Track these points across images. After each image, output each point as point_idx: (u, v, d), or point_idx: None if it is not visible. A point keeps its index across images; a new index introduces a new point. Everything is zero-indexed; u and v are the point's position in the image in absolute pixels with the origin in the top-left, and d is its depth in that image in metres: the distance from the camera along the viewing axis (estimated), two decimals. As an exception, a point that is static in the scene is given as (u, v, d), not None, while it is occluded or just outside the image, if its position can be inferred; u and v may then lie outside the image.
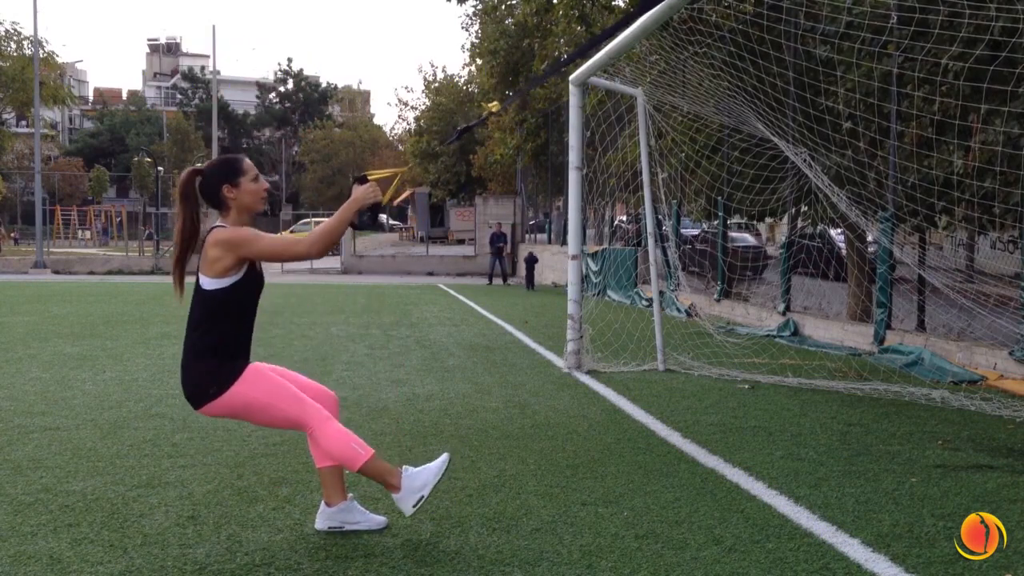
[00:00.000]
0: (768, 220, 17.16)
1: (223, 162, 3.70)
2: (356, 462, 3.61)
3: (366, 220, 3.77)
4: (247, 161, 3.73)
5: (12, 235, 44.87)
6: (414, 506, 3.71)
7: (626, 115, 10.65)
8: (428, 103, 44.79)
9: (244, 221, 3.65)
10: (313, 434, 3.63)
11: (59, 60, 41.06)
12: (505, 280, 25.22)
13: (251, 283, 3.65)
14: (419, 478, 3.73)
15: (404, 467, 3.77)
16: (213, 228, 3.60)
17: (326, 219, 3.71)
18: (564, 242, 18.36)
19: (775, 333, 11.44)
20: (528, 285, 22.49)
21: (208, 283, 3.57)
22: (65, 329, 11.62)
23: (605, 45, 7.84)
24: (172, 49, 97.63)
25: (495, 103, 4.38)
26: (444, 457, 3.85)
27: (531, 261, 22.92)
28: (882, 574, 3.39)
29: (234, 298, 3.60)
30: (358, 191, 3.68)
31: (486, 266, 27.17)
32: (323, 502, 3.83)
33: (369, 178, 3.79)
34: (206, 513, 4.03)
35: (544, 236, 28.70)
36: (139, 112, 77.13)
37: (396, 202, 57.71)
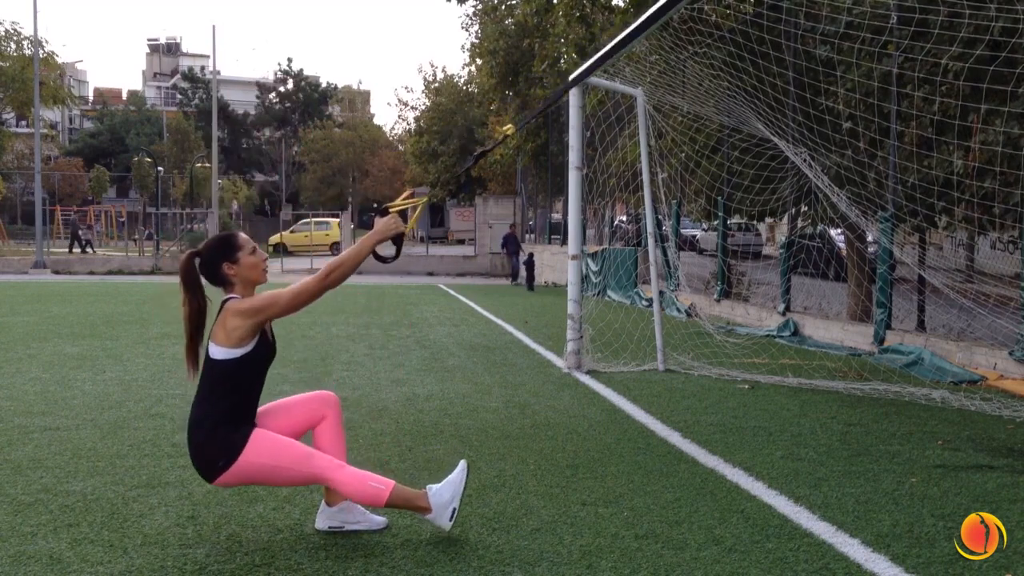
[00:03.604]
0: (768, 220, 17.16)
1: (219, 241, 3.73)
2: (380, 499, 3.61)
3: (392, 254, 3.77)
4: (242, 236, 3.76)
5: None
6: (450, 519, 3.70)
7: (626, 115, 10.64)
8: (428, 103, 44.78)
9: (250, 292, 3.69)
10: (331, 485, 3.64)
11: (59, 60, 40.96)
12: (515, 279, 25.39)
13: (262, 352, 3.67)
14: (446, 493, 3.71)
15: (428, 487, 3.75)
16: (228, 299, 3.63)
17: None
18: (563, 242, 18.38)
19: (775, 333, 11.43)
20: (528, 286, 22.48)
21: (219, 352, 3.58)
22: (65, 329, 11.62)
23: (612, 54, 7.86)
24: (172, 49, 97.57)
25: (510, 126, 4.39)
26: (462, 465, 3.83)
27: (530, 264, 22.93)
28: (882, 574, 3.39)
29: (245, 368, 3.61)
30: (379, 223, 3.70)
31: (487, 266, 27.26)
32: (323, 501, 3.83)
33: (390, 210, 3.78)
34: (206, 513, 4.03)
35: (546, 236, 28.73)
36: (139, 112, 77.05)
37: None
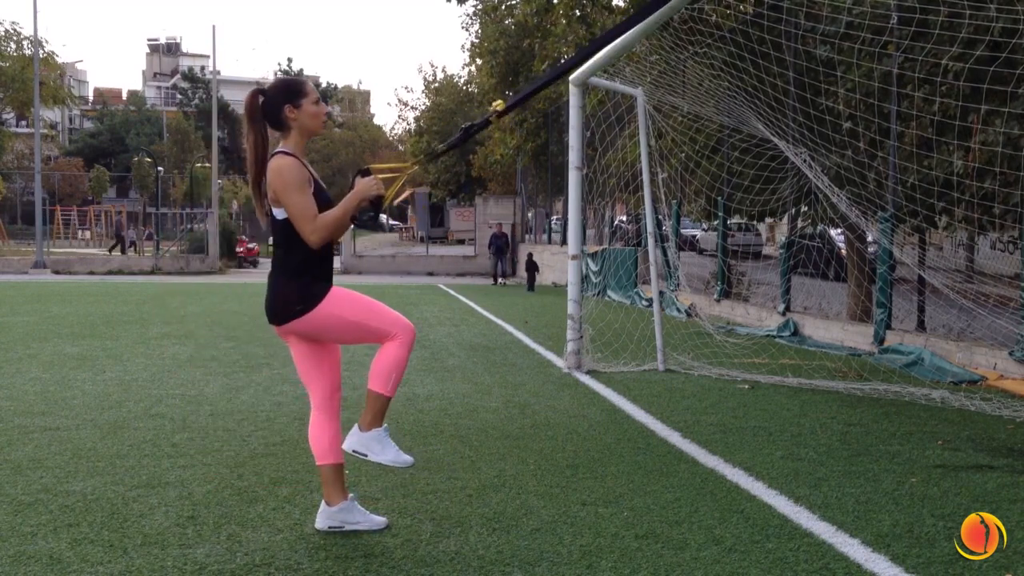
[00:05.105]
0: (768, 220, 17.15)
1: (286, 83, 3.75)
2: (381, 388, 3.69)
3: (367, 217, 3.77)
4: (309, 84, 3.78)
5: None
6: (352, 451, 3.76)
7: (626, 115, 10.64)
8: (428, 103, 44.76)
9: (303, 144, 3.72)
10: (389, 342, 3.69)
11: (59, 60, 40.97)
12: (497, 280, 25.40)
13: (317, 205, 3.65)
14: (380, 443, 3.75)
15: (386, 427, 3.78)
16: (275, 153, 3.66)
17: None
18: (563, 242, 18.40)
19: (775, 333, 11.44)
20: (528, 286, 22.44)
21: (279, 212, 3.66)
22: (65, 329, 11.62)
23: (606, 47, 7.84)
24: (172, 49, 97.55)
25: (500, 101, 4.35)
26: (409, 458, 3.83)
27: (531, 265, 22.90)
28: (882, 574, 3.39)
29: None
30: (360, 183, 3.70)
31: (487, 266, 27.26)
32: (323, 502, 3.83)
33: (372, 170, 3.78)
34: (206, 513, 4.03)
35: (544, 236, 28.74)
36: (139, 112, 77.03)
37: (396, 201, 57.79)
